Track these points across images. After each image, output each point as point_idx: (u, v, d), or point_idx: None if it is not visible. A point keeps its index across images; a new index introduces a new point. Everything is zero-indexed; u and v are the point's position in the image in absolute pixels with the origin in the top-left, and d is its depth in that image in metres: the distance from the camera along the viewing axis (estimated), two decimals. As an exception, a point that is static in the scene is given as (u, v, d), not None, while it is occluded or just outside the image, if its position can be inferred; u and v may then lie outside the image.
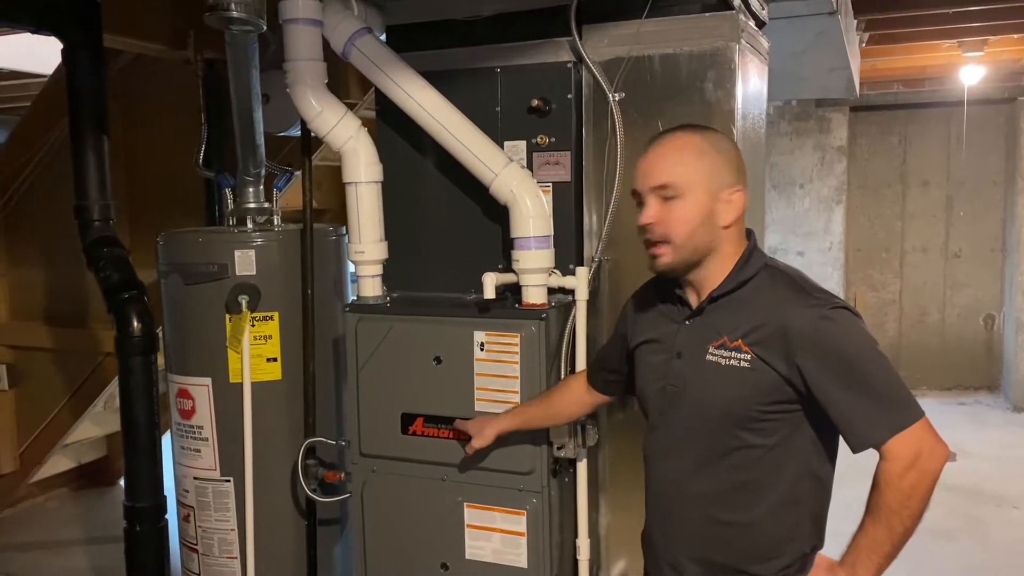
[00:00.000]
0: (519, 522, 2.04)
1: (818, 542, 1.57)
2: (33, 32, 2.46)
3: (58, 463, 4.48)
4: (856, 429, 1.42)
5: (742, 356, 1.47)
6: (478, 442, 1.93)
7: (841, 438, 1.49)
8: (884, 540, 1.42)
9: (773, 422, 1.48)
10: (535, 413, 1.94)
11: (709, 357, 1.51)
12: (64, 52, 2.49)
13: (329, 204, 3.68)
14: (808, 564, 1.55)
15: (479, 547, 2.07)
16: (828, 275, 6.57)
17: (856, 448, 1.43)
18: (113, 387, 3.85)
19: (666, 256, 1.52)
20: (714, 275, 1.54)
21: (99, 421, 4.32)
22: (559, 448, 2.03)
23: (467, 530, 2.08)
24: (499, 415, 1.96)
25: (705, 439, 1.54)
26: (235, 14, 1.94)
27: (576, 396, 1.91)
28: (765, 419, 1.48)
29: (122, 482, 4.82)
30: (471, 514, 2.08)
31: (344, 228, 2.61)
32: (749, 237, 1.57)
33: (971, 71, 5.83)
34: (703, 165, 1.50)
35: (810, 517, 1.55)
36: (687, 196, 1.49)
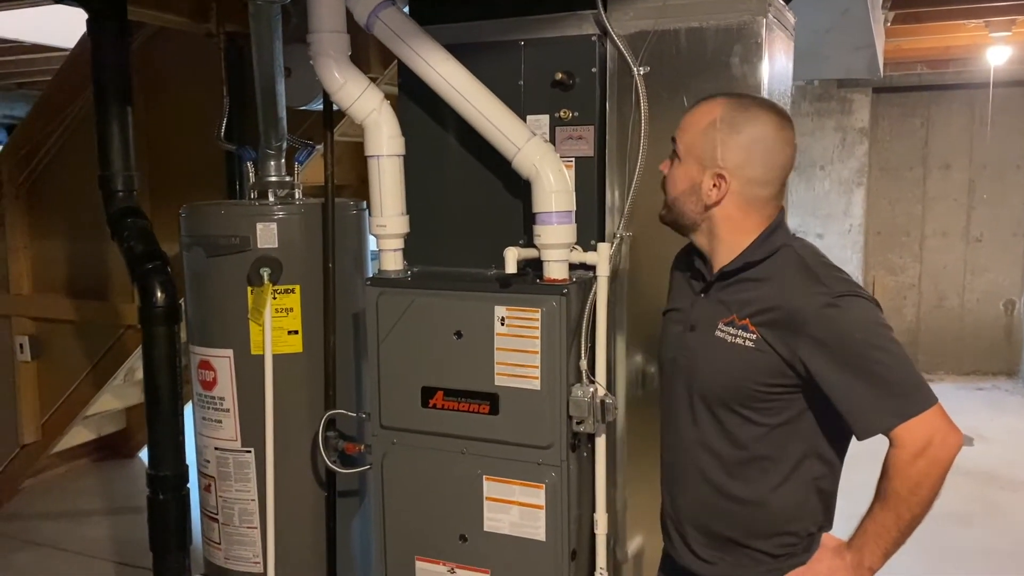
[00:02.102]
0: (538, 495, 2.04)
1: (826, 523, 1.58)
2: (58, 2, 2.47)
3: (79, 434, 4.55)
4: (860, 416, 1.40)
5: (748, 335, 1.48)
6: None
7: None
8: (892, 526, 1.41)
9: (776, 402, 1.49)
10: None
11: (718, 333, 1.52)
12: (89, 23, 2.50)
13: (348, 180, 3.69)
14: (814, 544, 1.56)
15: (497, 519, 2.08)
16: (847, 258, 6.53)
17: (861, 435, 1.42)
18: (132, 360, 3.90)
19: (663, 210, 1.60)
20: (720, 252, 1.55)
21: (119, 394, 4.38)
22: (578, 423, 2.04)
23: (486, 502, 2.09)
24: None
25: (709, 413, 1.55)
26: (260, -15, 1.94)
27: None
28: (768, 399, 1.49)
29: (141, 454, 4.90)
30: (490, 487, 2.09)
31: (364, 203, 2.62)
32: (779, 215, 1.55)
33: (998, 52, 5.75)
34: (705, 138, 1.51)
35: (817, 496, 1.55)
36: (684, 160, 1.54)
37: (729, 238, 1.53)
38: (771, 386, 1.48)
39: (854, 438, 1.48)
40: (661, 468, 1.71)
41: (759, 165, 1.50)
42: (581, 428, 2.04)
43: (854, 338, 1.41)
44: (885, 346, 1.41)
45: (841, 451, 1.56)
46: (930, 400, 1.40)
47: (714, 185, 1.50)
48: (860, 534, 1.46)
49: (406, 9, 2.24)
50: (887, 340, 1.41)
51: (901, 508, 1.40)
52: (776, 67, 2.09)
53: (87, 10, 2.46)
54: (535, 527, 2.05)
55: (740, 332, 1.49)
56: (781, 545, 1.55)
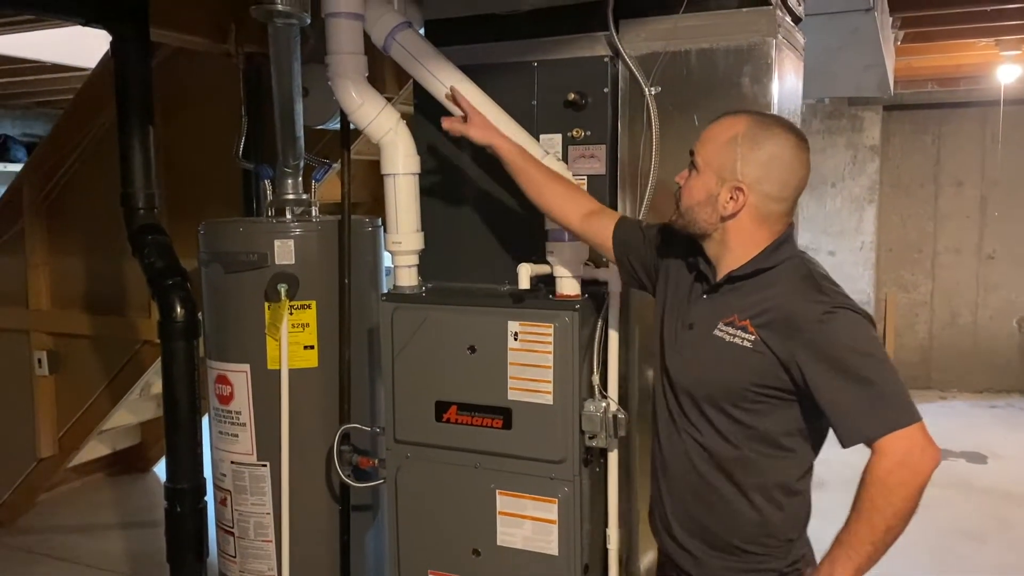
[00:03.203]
0: (551, 510, 2.06)
1: (804, 531, 1.64)
2: (83, 25, 2.53)
3: (95, 449, 4.58)
4: (848, 423, 1.44)
5: (747, 336, 1.52)
6: (473, 130, 1.92)
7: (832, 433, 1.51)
8: (866, 537, 1.43)
9: (764, 404, 1.53)
10: (535, 175, 1.92)
11: (717, 332, 1.57)
12: (113, 45, 2.55)
13: (361, 197, 3.73)
14: (792, 551, 1.61)
15: (511, 534, 2.10)
16: (859, 275, 6.53)
17: (847, 442, 1.45)
18: (149, 375, 3.94)
19: (674, 215, 1.65)
20: (726, 259, 1.60)
21: (135, 408, 4.42)
22: (591, 438, 2.06)
23: (499, 517, 2.11)
24: (507, 139, 1.93)
25: (698, 410, 1.61)
26: (280, 8, 1.99)
27: (584, 209, 1.90)
28: (758, 400, 1.53)
29: (156, 469, 4.93)
30: (503, 501, 2.11)
31: (380, 220, 2.66)
32: (788, 229, 1.60)
33: (1008, 70, 5.77)
34: (726, 152, 1.54)
35: (797, 501, 1.61)
36: (702, 172, 1.57)
37: (738, 248, 1.58)
38: (763, 387, 1.52)
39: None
40: (651, 460, 1.77)
41: (776, 182, 1.54)
42: (594, 443, 2.06)
43: (849, 348, 1.45)
44: (877, 359, 1.45)
45: (813, 459, 1.62)
46: (916, 416, 1.43)
47: (731, 198, 1.54)
48: (834, 546, 1.48)
49: (422, 31, 2.29)
50: (879, 354, 1.46)
51: (876, 518, 1.42)
52: (786, 86, 2.12)
53: (111, 33, 2.52)
54: (548, 542, 2.06)
55: (739, 332, 1.53)
56: (761, 545, 1.60)
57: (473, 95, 2.10)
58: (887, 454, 1.40)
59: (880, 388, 1.43)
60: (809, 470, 1.61)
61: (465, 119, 1.97)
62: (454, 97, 1.99)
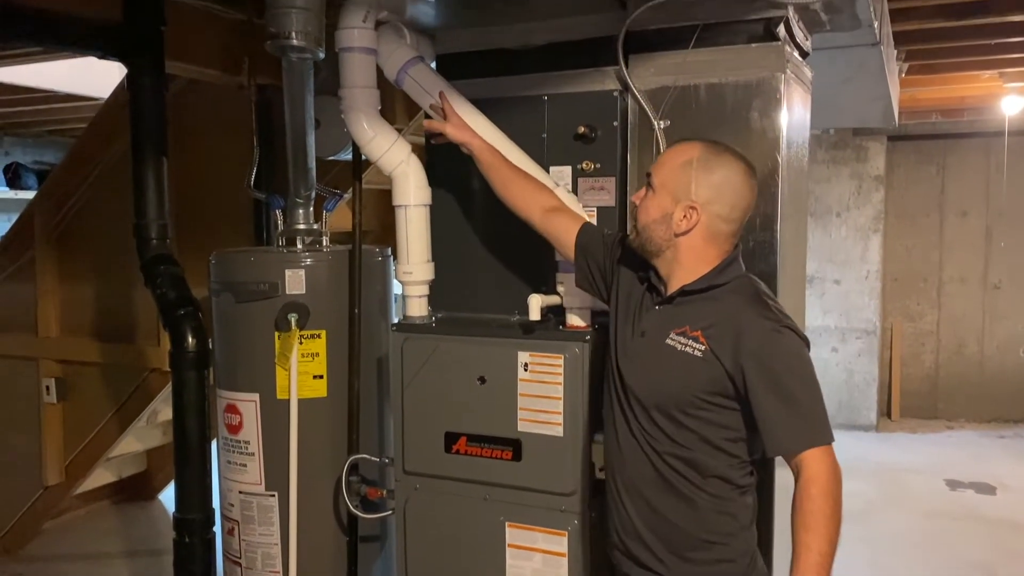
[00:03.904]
0: (560, 543, 2.06)
1: (752, 537, 1.74)
2: (100, 58, 2.57)
3: (100, 476, 4.57)
4: (778, 435, 1.57)
5: (697, 346, 1.64)
6: (449, 128, 2.04)
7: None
8: (828, 550, 1.51)
9: (710, 412, 1.64)
10: (504, 171, 2.03)
11: (668, 341, 1.67)
12: (128, 77, 2.59)
13: (371, 226, 3.75)
14: (746, 558, 1.70)
15: (520, 567, 2.09)
16: (865, 304, 6.53)
17: (773, 451, 1.60)
18: (156, 403, 3.94)
19: (631, 234, 1.75)
20: (677, 274, 1.70)
21: (141, 436, 4.41)
22: (600, 470, 2.05)
23: (508, 549, 2.10)
24: (480, 138, 2.05)
25: (647, 416, 1.69)
26: (295, 42, 2.02)
27: (547, 205, 2.00)
28: (704, 407, 1.63)
29: (161, 497, 4.92)
30: (512, 533, 2.10)
31: (389, 249, 2.67)
32: (735, 250, 1.72)
33: (1012, 102, 5.80)
34: (681, 174, 1.66)
35: (743, 504, 1.70)
36: (658, 192, 1.69)
37: (689, 264, 1.69)
38: (710, 394, 1.63)
39: None
40: (606, 460, 1.85)
41: (726, 203, 1.66)
42: (603, 475, 2.05)
43: (787, 367, 1.59)
44: (810, 382, 1.59)
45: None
46: (831, 438, 1.57)
47: (684, 216, 1.66)
48: (804, 571, 1.50)
49: (433, 64, 2.32)
50: (812, 378, 1.60)
51: (831, 528, 1.50)
52: (794, 120, 2.14)
53: (127, 65, 2.56)
54: (557, 574, 2.05)
55: (691, 342, 1.64)
56: (712, 550, 1.68)
57: (484, 128, 2.13)
58: (821, 468, 1.53)
59: (807, 407, 1.57)
60: (752, 472, 1.72)
61: (445, 119, 2.08)
62: (439, 101, 2.11)
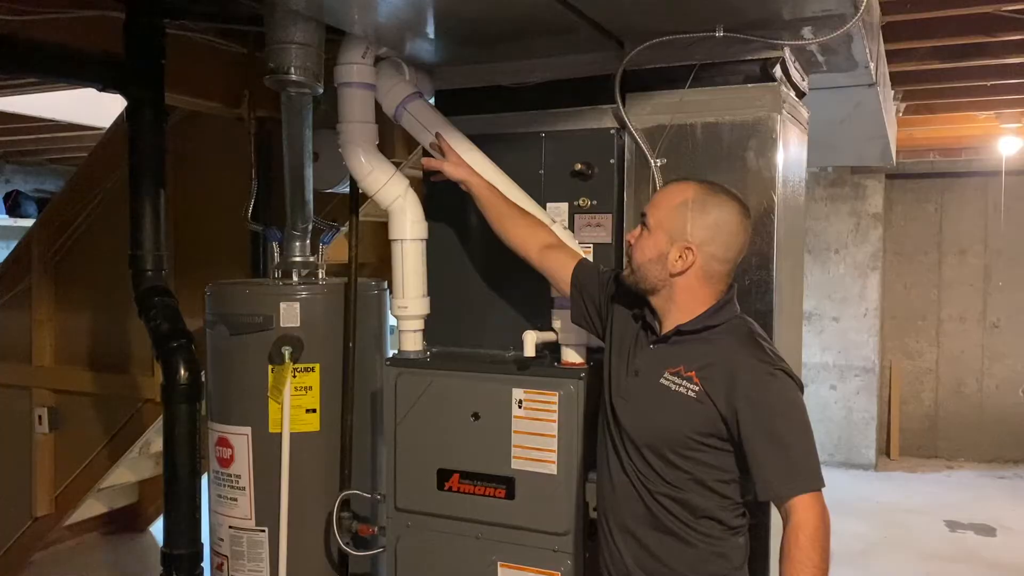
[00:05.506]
0: (553, 583, 2.03)
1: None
2: (100, 90, 2.58)
3: (91, 507, 4.51)
4: (768, 479, 1.56)
5: (692, 386, 1.63)
6: (448, 167, 2.07)
7: None
8: None
9: (703, 452, 1.63)
10: (502, 207, 2.05)
11: (663, 381, 1.67)
12: (128, 109, 2.60)
13: (367, 258, 3.75)
14: None
15: (512, 607, 2.06)
16: (863, 341, 6.51)
17: (763, 496, 1.59)
18: (149, 434, 3.91)
19: (626, 271, 1.76)
20: (672, 313, 1.70)
21: (133, 467, 4.36)
22: (594, 509, 2.03)
23: (500, 589, 2.08)
24: (478, 175, 2.08)
25: (640, 455, 1.68)
26: (294, 78, 2.03)
27: (544, 242, 2.00)
28: (697, 449, 1.63)
29: (152, 529, 4.86)
30: (504, 573, 2.07)
31: (385, 282, 2.66)
32: (730, 291, 1.70)
33: (1009, 142, 5.83)
34: (677, 215, 1.67)
35: (735, 542, 1.69)
36: (653, 232, 1.69)
37: (684, 304, 1.69)
38: (703, 435, 1.62)
39: None
40: (598, 498, 1.83)
41: (721, 244, 1.67)
42: (596, 515, 2.03)
43: (780, 411, 1.59)
44: (804, 427, 1.59)
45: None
46: (822, 483, 1.56)
47: (680, 256, 1.66)
48: None
49: (432, 100, 2.33)
50: (805, 421, 1.60)
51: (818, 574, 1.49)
52: (791, 159, 2.15)
53: (127, 98, 2.57)
54: (550, 615, 2.02)
55: (685, 383, 1.64)
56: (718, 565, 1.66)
57: (482, 164, 2.14)
58: (811, 515, 1.51)
59: (800, 452, 1.56)
60: (744, 513, 1.70)
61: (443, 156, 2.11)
62: (437, 140, 2.13)
